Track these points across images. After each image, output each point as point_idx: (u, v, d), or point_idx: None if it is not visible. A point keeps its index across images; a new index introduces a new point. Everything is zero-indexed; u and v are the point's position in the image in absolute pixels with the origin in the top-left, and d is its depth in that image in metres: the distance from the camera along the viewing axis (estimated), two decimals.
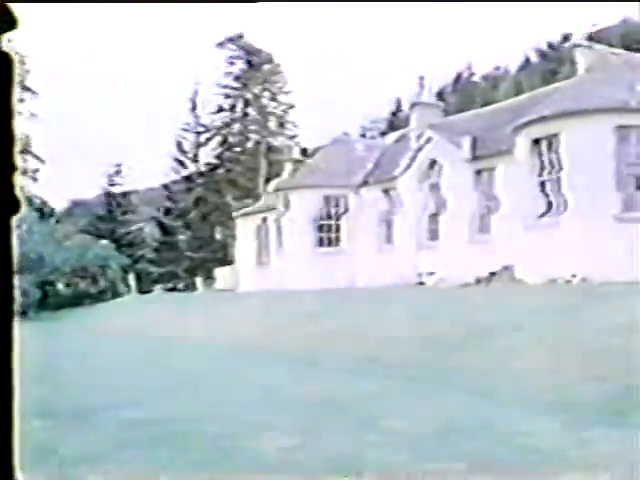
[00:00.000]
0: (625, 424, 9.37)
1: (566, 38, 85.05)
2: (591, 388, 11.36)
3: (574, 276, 26.84)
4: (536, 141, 29.50)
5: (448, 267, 34.37)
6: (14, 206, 1.84)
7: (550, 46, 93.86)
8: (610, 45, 37.88)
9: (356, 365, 15.88)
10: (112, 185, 75.19)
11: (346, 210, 42.22)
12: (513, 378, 12.79)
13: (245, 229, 52.00)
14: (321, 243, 42.28)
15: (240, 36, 78.66)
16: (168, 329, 28.84)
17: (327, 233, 42.25)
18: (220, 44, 78.83)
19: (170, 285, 68.00)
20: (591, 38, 36.78)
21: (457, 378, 13.38)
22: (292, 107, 79.03)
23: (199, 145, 77.32)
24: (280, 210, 44.00)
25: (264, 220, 48.13)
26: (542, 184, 29.36)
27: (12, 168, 1.82)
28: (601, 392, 11.07)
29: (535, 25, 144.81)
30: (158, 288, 63.10)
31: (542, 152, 29.35)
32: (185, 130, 76.65)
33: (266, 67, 78.17)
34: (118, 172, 75.55)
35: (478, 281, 31.36)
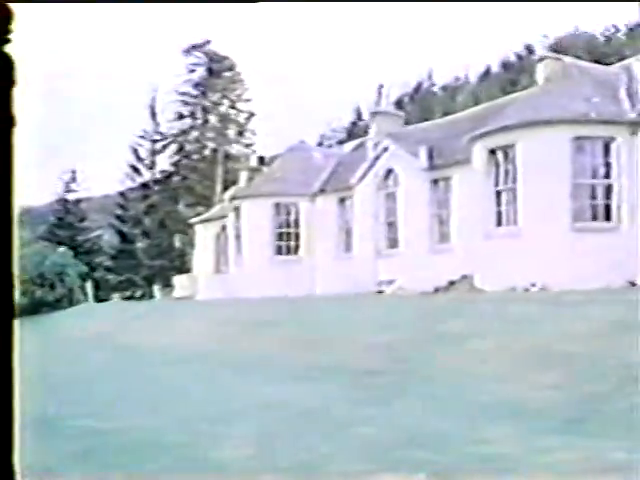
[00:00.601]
0: (582, 432, 9.41)
1: (528, 49, 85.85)
2: (548, 396, 11.41)
3: (533, 285, 27.01)
4: (493, 151, 29.66)
5: (407, 275, 34.49)
6: (12, 207, 1.83)
7: (518, 56, 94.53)
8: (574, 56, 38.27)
9: (315, 373, 15.84)
10: (68, 192, 74.61)
11: (297, 218, 42.22)
12: (470, 386, 12.81)
13: (204, 237, 51.89)
14: (280, 251, 42.24)
15: (202, 43, 78.62)
16: (124, 338, 28.62)
17: (286, 241, 42.21)
18: (182, 51, 78.80)
19: (128, 293, 67.61)
20: (555, 49, 37.04)
21: (415, 386, 13.39)
22: (252, 115, 78.93)
23: (155, 152, 76.99)
24: (235, 218, 43.91)
25: (223, 228, 47.98)
26: (498, 193, 29.52)
27: (11, 170, 1.80)
28: (558, 400, 11.11)
29: (496, 35, 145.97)
30: (115, 296, 62.69)
31: (499, 162, 29.52)
32: (142, 137, 76.31)
33: (226, 75, 78.04)
34: (74, 179, 74.99)
35: (437, 290, 31.45)
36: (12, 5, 1.81)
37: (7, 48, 1.83)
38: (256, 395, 13.65)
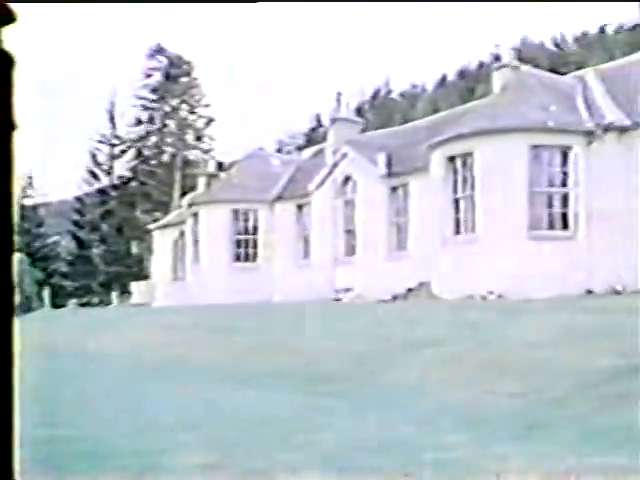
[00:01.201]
0: (538, 438, 9.43)
1: (495, 57, 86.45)
2: (506, 402, 11.44)
3: (490, 292, 27.12)
4: (451, 159, 29.78)
5: (365, 283, 34.51)
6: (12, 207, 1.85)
7: (480, 64, 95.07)
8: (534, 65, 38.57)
9: (272, 380, 15.79)
10: (25, 197, 73.84)
11: (256, 225, 42.18)
12: (427, 393, 12.82)
13: (161, 243, 51.64)
14: (238, 258, 42.13)
15: (162, 48, 78.46)
16: (79, 345, 28.36)
17: (244, 248, 42.11)
18: (146, 55, 78.58)
19: (84, 300, 67.04)
20: (520, 58, 37.27)
21: (372, 393, 13.38)
22: (211, 120, 78.77)
23: (114, 157, 76.52)
24: (193, 224, 43.76)
25: (181, 234, 47.78)
26: (457, 201, 29.64)
27: (11, 170, 1.81)
28: (516, 407, 11.15)
29: (452, 43, 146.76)
30: (72, 303, 62.13)
31: (457, 170, 29.65)
32: (100, 142, 75.79)
33: (184, 79, 77.86)
34: (30, 184, 74.29)
35: (395, 297, 31.49)
36: (12, 5, 1.79)
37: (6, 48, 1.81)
38: (212, 402, 13.56)
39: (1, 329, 1.85)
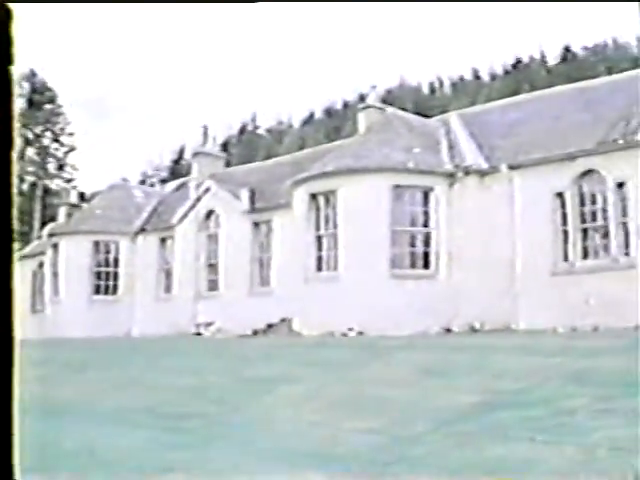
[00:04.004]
0: (394, 475, 9.38)
1: (360, 98, 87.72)
2: (361, 440, 11.36)
3: (350, 329, 27.23)
4: (314, 196, 29.92)
5: (226, 318, 34.31)
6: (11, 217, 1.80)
7: (344, 104, 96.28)
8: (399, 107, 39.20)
9: (124, 416, 15.38)
10: None
11: (117, 257, 41.63)
12: (282, 430, 12.66)
13: (20, 274, 50.34)
14: (98, 291, 41.40)
15: (30, 73, 77.08)
16: None
17: (105, 281, 41.42)
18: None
19: None
20: (384, 100, 37.96)
21: (227, 430, 13.14)
22: (73, 149, 77.63)
23: None
24: (53, 256, 42.82)
25: (40, 265, 46.72)
26: (319, 238, 29.75)
27: (11, 174, 1.72)
28: (371, 444, 11.08)
29: (319, 82, 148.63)
30: None
31: (319, 207, 29.79)
32: None
33: (48, 107, 76.60)
34: None
35: (255, 332, 31.38)
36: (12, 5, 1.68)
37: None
38: (62, 440, 13.10)
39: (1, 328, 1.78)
